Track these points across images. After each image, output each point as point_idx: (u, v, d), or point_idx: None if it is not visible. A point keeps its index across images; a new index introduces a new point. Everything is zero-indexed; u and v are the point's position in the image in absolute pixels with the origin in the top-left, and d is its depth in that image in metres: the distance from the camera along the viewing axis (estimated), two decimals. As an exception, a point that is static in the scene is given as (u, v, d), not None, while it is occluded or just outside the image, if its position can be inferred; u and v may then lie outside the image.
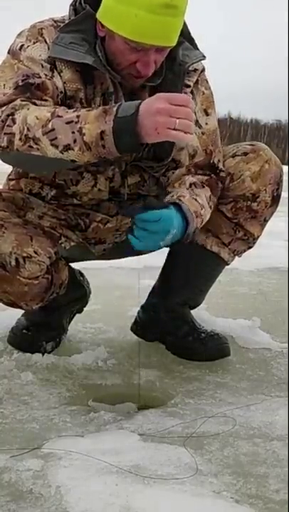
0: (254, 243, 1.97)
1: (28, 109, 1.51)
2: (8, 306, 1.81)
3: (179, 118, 1.36)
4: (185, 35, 1.71)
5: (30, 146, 1.49)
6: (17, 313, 2.03)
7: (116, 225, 1.89)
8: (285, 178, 1.98)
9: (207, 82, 1.85)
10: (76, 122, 1.45)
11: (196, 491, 1.18)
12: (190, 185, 1.75)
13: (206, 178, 1.80)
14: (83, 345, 2.02)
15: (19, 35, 1.68)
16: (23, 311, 2.02)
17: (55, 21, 1.70)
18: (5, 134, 1.51)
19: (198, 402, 1.64)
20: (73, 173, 1.76)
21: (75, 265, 2.06)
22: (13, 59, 1.64)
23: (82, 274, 2.15)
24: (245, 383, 1.78)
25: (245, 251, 1.99)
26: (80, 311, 2.15)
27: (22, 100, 1.55)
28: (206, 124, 1.82)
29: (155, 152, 1.75)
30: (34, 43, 1.64)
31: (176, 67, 1.71)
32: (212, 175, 1.82)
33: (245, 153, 1.88)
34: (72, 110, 1.50)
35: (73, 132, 1.45)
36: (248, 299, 2.88)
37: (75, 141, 1.45)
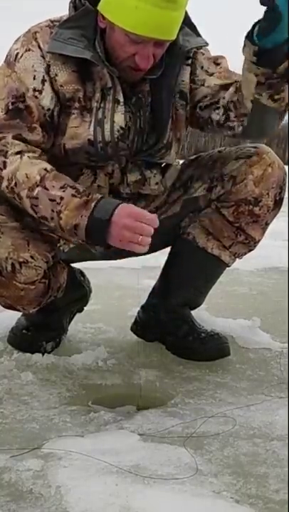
0: (255, 246, 1.97)
1: (21, 158, 1.58)
2: (6, 309, 1.82)
3: (142, 235, 1.46)
4: (186, 22, 1.70)
5: (13, 198, 1.61)
6: (17, 314, 2.03)
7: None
8: (285, 178, 1.97)
9: (208, 51, 1.82)
10: (58, 204, 1.54)
11: (196, 491, 1.18)
12: None
13: None
14: (83, 345, 2.02)
15: (16, 41, 1.70)
16: (23, 311, 2.02)
17: (51, 21, 1.70)
18: None
19: (198, 402, 1.64)
20: (73, 168, 1.76)
21: (75, 264, 2.06)
22: (7, 69, 1.67)
23: (82, 274, 2.14)
24: (245, 383, 1.78)
25: (246, 254, 1.98)
26: (80, 310, 2.15)
27: (13, 137, 1.61)
28: (220, 66, 1.79)
29: (148, 139, 1.76)
30: (27, 50, 1.66)
31: (176, 51, 1.70)
32: None
33: (249, 156, 1.87)
34: (60, 184, 1.55)
35: (53, 211, 1.54)
36: (248, 299, 2.88)
37: (52, 218, 1.55)
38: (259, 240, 1.95)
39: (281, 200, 1.91)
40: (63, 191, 1.54)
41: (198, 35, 1.75)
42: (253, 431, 1.45)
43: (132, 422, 1.49)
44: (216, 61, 1.81)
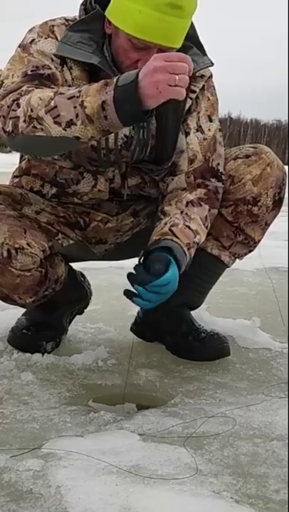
0: (255, 247, 1.96)
1: (32, 92, 1.51)
2: (3, 301, 1.80)
3: (178, 74, 1.34)
4: (194, 41, 1.70)
5: (34, 127, 1.47)
6: (17, 313, 2.03)
7: (116, 225, 1.89)
8: (285, 178, 1.97)
9: (214, 88, 1.82)
10: (78, 97, 1.43)
11: (196, 491, 1.18)
12: (187, 203, 1.73)
13: (204, 191, 1.77)
14: (83, 345, 2.02)
15: (30, 30, 1.69)
16: (23, 311, 2.02)
17: (66, 20, 1.70)
18: (10, 118, 1.51)
19: (198, 402, 1.64)
20: (74, 172, 1.76)
21: (75, 266, 2.06)
22: (23, 52, 1.65)
23: (83, 275, 2.14)
24: (245, 383, 1.78)
25: (246, 254, 1.98)
26: (80, 312, 2.15)
27: (28, 87, 1.54)
28: (209, 130, 1.79)
29: (156, 155, 1.75)
30: (45, 38, 1.65)
31: None
32: (210, 186, 1.78)
33: (247, 156, 1.87)
34: (73, 88, 1.49)
35: (75, 107, 1.43)
36: (248, 299, 2.88)
37: (77, 115, 1.43)
38: (259, 241, 1.94)
39: (281, 200, 1.90)
40: (79, 88, 1.46)
41: (205, 54, 1.74)
42: (253, 431, 1.45)
43: (132, 422, 1.49)
44: (211, 116, 1.80)
